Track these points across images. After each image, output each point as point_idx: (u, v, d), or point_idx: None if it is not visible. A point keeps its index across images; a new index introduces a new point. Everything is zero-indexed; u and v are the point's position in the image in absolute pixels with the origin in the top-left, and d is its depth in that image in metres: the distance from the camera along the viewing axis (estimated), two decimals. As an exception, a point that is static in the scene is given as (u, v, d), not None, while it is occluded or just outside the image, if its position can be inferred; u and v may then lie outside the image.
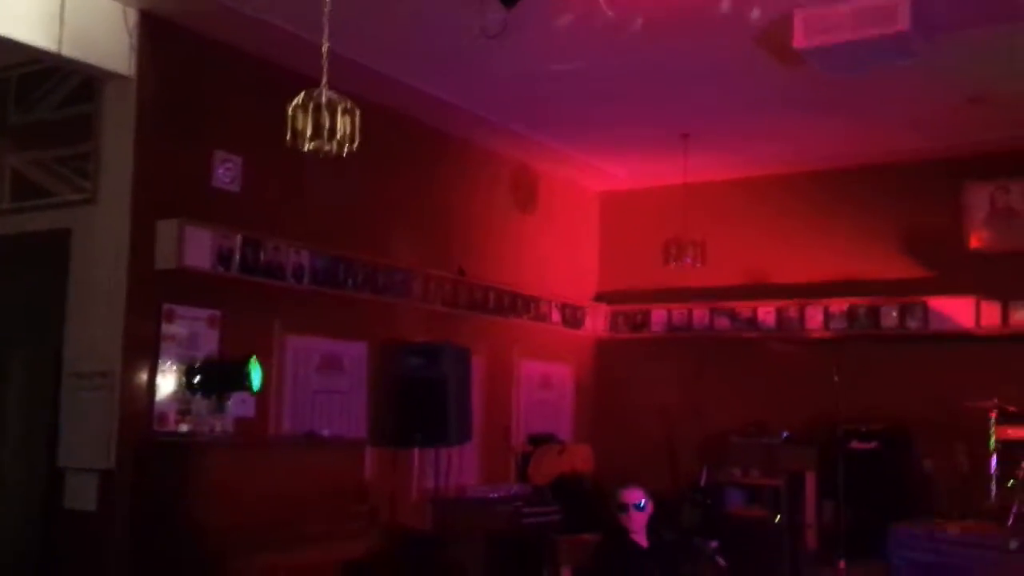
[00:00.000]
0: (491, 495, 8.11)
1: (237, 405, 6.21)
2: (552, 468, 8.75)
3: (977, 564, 6.15)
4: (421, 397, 7.03)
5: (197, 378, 5.93)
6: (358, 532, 6.37)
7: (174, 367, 5.98)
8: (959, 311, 8.38)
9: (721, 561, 4.61)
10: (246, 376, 5.88)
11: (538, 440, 8.97)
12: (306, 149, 3.68)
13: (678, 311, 9.81)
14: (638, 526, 4.69)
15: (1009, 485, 7.00)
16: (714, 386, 9.40)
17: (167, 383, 5.94)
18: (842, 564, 6.55)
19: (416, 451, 7.55)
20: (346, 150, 3.66)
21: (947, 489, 7.80)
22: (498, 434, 8.74)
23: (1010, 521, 6.58)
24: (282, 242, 6.65)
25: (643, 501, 4.74)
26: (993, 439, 7.24)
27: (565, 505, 8.30)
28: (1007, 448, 7.12)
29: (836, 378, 7.47)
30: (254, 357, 5.96)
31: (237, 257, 6.30)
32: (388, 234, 7.78)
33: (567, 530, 7.86)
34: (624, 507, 4.73)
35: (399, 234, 7.88)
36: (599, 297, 10.33)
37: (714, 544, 4.74)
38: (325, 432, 6.76)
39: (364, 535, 6.39)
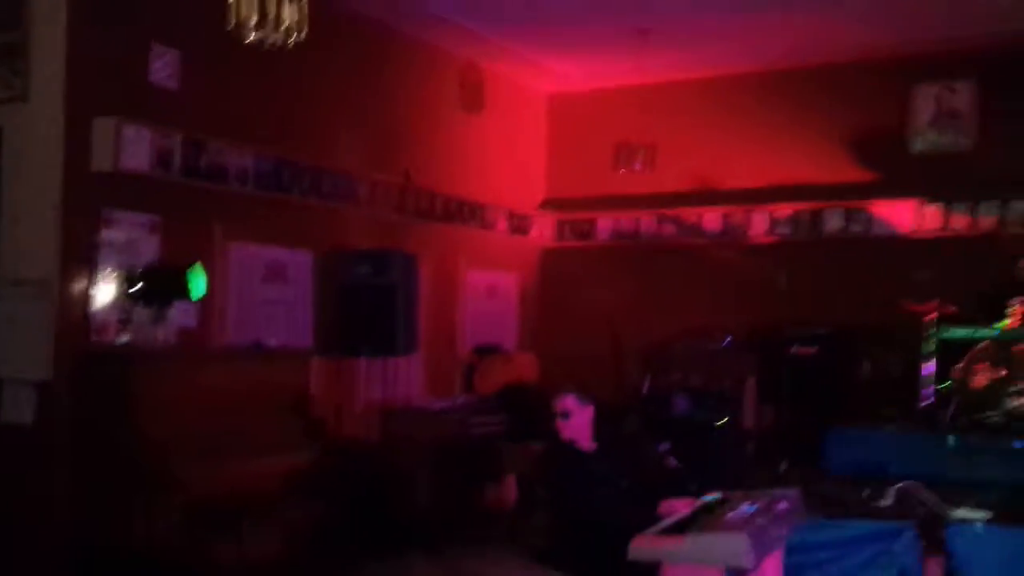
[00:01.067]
0: (437, 406, 8.11)
1: (179, 315, 6.07)
2: (497, 378, 8.76)
3: (913, 463, 6.33)
4: (368, 306, 6.94)
5: (137, 286, 5.75)
6: (304, 442, 6.33)
7: (113, 275, 5.79)
8: (901, 215, 8.50)
9: (672, 462, 4.65)
10: (187, 284, 5.72)
11: (484, 351, 8.97)
12: (250, 40, 3.49)
13: (625, 219, 9.80)
14: (575, 432, 4.68)
15: (945, 386, 7.20)
16: (659, 294, 9.45)
17: (106, 292, 5.76)
18: (783, 466, 6.70)
19: (362, 361, 7.49)
20: (292, 40, 3.48)
21: (885, 392, 8.00)
22: (444, 345, 8.71)
23: (947, 418, 6.78)
24: (224, 144, 6.42)
25: (570, 408, 4.71)
26: (931, 342, 7.40)
27: (511, 414, 8.34)
28: (945, 350, 7.28)
29: (783, 282, 7.54)
30: (197, 264, 5.80)
31: (178, 159, 6.08)
32: (333, 136, 7.57)
33: (513, 439, 7.92)
34: (555, 415, 4.73)
35: (344, 136, 7.67)
36: (546, 204, 10.26)
37: (664, 446, 4.78)
38: (271, 342, 6.66)
39: (310, 445, 6.35)
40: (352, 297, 7.00)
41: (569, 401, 4.73)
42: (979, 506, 5.53)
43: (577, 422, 4.69)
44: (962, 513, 5.43)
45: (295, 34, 3.47)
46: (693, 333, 8.99)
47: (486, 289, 9.43)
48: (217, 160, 6.36)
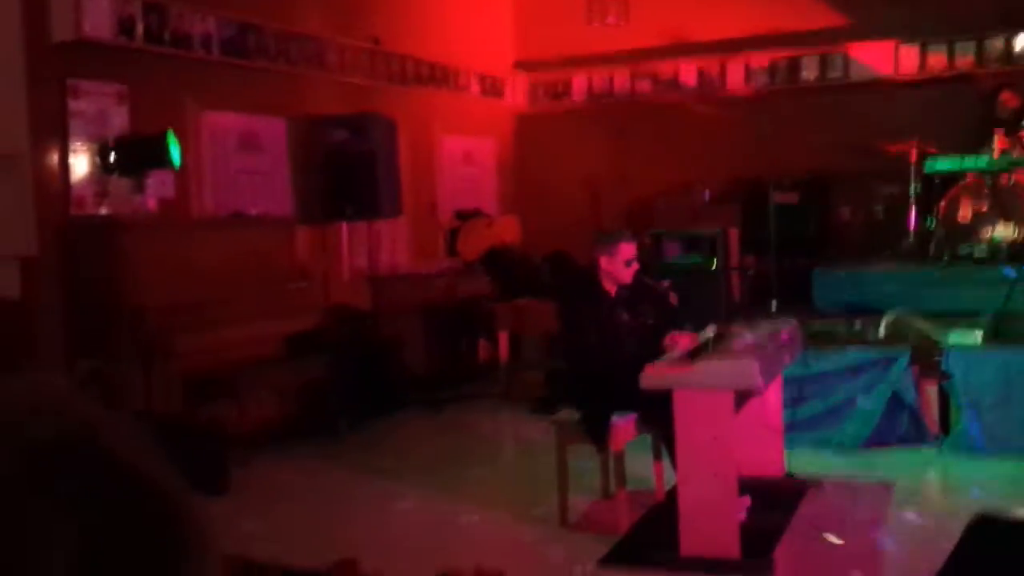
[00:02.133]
0: (423, 271, 8.09)
1: (156, 186, 5.92)
2: (480, 242, 8.73)
3: (901, 298, 6.41)
4: (349, 170, 6.80)
5: (112, 156, 5.58)
6: (298, 309, 6.30)
7: (86, 147, 5.60)
8: (878, 57, 8.41)
9: (673, 299, 4.66)
10: (164, 151, 5.55)
11: (465, 215, 8.90)
12: None
13: (599, 77, 9.62)
14: (624, 277, 4.58)
15: (928, 223, 7.25)
16: (637, 152, 9.37)
17: (81, 164, 5.58)
18: (773, 306, 6.77)
19: (345, 229, 7.39)
20: None
21: (866, 234, 8.06)
22: (425, 211, 8.62)
23: (932, 253, 6.85)
24: (186, 8, 6.15)
25: (635, 256, 4.63)
26: (912, 182, 7.42)
27: (496, 277, 8.35)
28: (929, 188, 7.30)
29: (762, 132, 7.48)
30: (170, 131, 5.62)
31: (140, 25, 5.83)
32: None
33: (500, 300, 7.95)
34: (623, 261, 4.57)
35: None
36: (518, 65, 10.02)
37: (666, 283, 4.78)
38: (251, 211, 6.54)
39: (305, 312, 6.33)
40: (332, 162, 6.86)
41: (634, 248, 4.61)
42: (970, 328, 5.62)
43: (628, 272, 4.59)
44: (955, 336, 5.52)
45: None
46: (674, 189, 8.97)
47: (463, 155, 9.29)
48: (180, 26, 6.13)
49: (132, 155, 5.64)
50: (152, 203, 5.86)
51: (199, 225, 6.25)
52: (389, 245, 7.96)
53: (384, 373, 6.86)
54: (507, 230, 9.01)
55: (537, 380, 7.12)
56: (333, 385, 6.23)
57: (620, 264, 4.54)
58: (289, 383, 6.04)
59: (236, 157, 6.75)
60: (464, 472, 5.61)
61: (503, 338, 7.62)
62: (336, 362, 6.34)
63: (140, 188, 5.74)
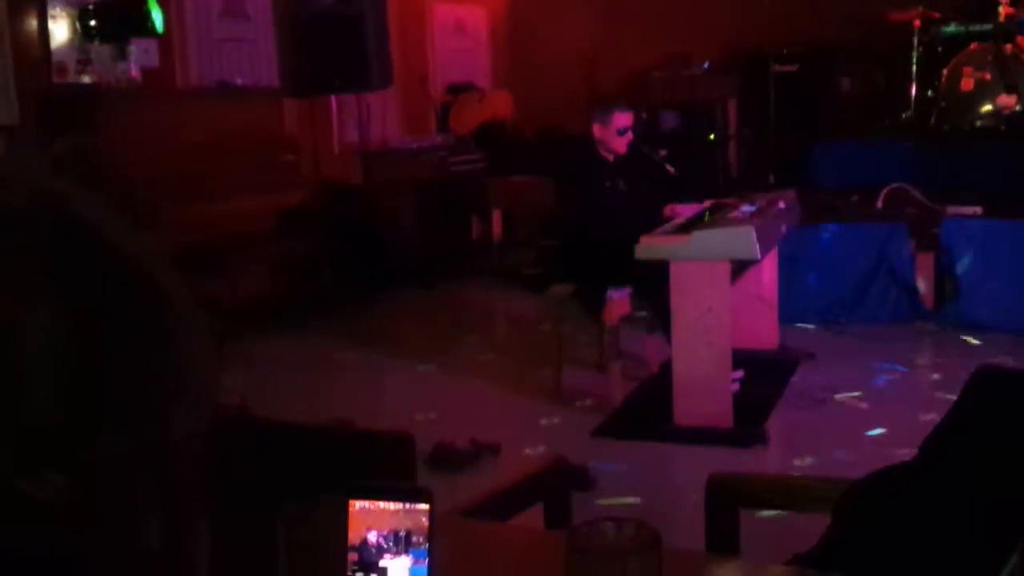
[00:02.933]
0: (415, 146, 7.94)
1: (140, 55, 5.73)
2: (473, 117, 8.56)
3: (901, 171, 6.33)
4: (337, 38, 6.58)
5: (93, 22, 5.38)
6: (288, 184, 6.20)
7: (65, 12, 5.39)
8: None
9: (670, 169, 4.58)
10: (146, 16, 5.35)
11: (457, 89, 8.70)
12: None
13: (595, -57, 9.24)
14: (618, 147, 4.52)
15: (930, 94, 7.11)
16: (632, 23, 9.07)
17: (61, 30, 5.38)
18: (771, 179, 6.69)
19: (335, 101, 7.22)
20: None
21: (866, 105, 7.91)
22: (416, 84, 8.41)
23: (932, 123, 6.74)
24: None
25: (631, 125, 4.54)
26: (915, 51, 7.23)
27: (489, 152, 8.21)
28: (931, 58, 7.12)
29: (762, 1, 7.24)
30: (150, -5, 5.41)
31: None
32: None
33: (493, 176, 7.84)
34: (622, 130, 4.51)
35: None
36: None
37: (663, 152, 4.69)
38: (237, 81, 6.36)
39: (297, 186, 6.23)
40: (319, 29, 6.62)
41: (629, 117, 4.54)
42: (969, 203, 5.57)
43: (622, 141, 4.52)
44: (954, 209, 5.47)
45: None
46: (671, 61, 8.74)
47: (454, 24, 9.01)
48: None
49: (113, 20, 5.44)
50: (136, 72, 5.69)
51: (184, 96, 6.09)
52: (379, 119, 7.79)
53: (376, 249, 6.81)
54: (500, 105, 8.82)
55: (530, 257, 7.09)
56: (325, 260, 6.19)
57: (613, 132, 4.45)
58: (280, 258, 5.99)
59: (220, 24, 6.53)
60: (457, 346, 5.63)
61: (496, 215, 7.54)
62: (328, 238, 6.27)
63: (123, 55, 5.56)
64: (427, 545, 0.85)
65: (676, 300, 3.94)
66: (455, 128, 8.42)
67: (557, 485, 1.82)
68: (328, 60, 6.60)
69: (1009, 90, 6.53)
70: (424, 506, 0.86)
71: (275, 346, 5.55)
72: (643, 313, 4.69)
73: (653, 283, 4.06)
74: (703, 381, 3.96)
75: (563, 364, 4.67)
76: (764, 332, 5.01)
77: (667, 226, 4.18)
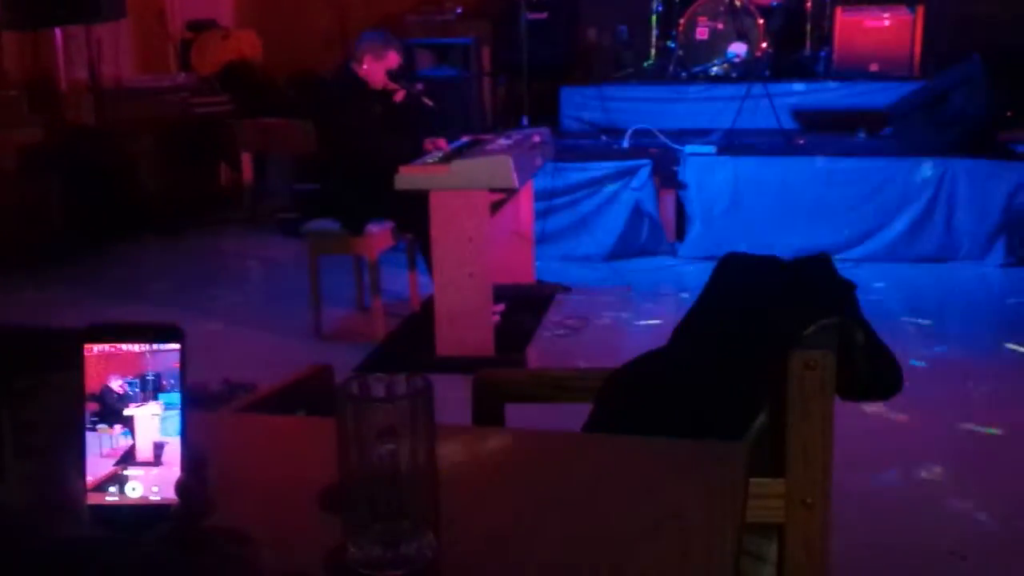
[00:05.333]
0: (154, 84, 7.45)
1: None
2: (217, 56, 8.12)
3: (645, 115, 6.64)
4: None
5: None
6: (12, 121, 5.65)
7: None
8: None
9: (428, 102, 4.54)
10: None
11: (198, 26, 8.21)
12: None
13: None
14: (385, 82, 4.45)
15: (669, 43, 7.46)
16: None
17: None
18: (524, 121, 6.80)
19: (59, 33, 6.62)
20: None
21: (612, 53, 8.20)
22: (152, 18, 7.86)
23: (671, 68, 7.10)
24: None
25: (400, 63, 4.48)
26: (654, 3, 7.55)
27: (236, 94, 7.84)
28: (667, 9, 7.46)
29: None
30: None
31: None
32: None
33: (241, 117, 7.49)
34: (387, 67, 4.42)
35: None
36: None
37: (419, 86, 4.64)
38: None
39: (21, 123, 5.68)
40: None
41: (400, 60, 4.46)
42: (705, 143, 5.92)
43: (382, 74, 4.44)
44: (691, 148, 5.79)
45: None
46: (424, 4, 8.67)
47: (194, -42, 8.49)
48: None
49: None
50: None
51: None
52: (112, 56, 7.23)
53: (113, 193, 6.34)
54: (246, 44, 8.41)
55: (285, 202, 6.85)
56: (56, 204, 5.69)
57: (382, 68, 4.40)
58: (4, 200, 5.45)
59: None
60: (209, 293, 5.36)
61: (246, 159, 7.21)
62: (59, 181, 5.77)
63: None
64: (179, 390, 0.77)
65: (436, 231, 3.93)
66: (198, 67, 7.96)
67: (321, 390, 1.76)
68: (52, -14, 6.03)
69: (740, 38, 6.97)
70: (174, 346, 0.78)
71: (7, 294, 5.06)
72: (403, 246, 4.67)
73: (413, 214, 4.03)
74: (465, 311, 3.98)
75: (323, 304, 4.56)
76: (522, 267, 5.12)
77: (426, 157, 4.15)
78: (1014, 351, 4.22)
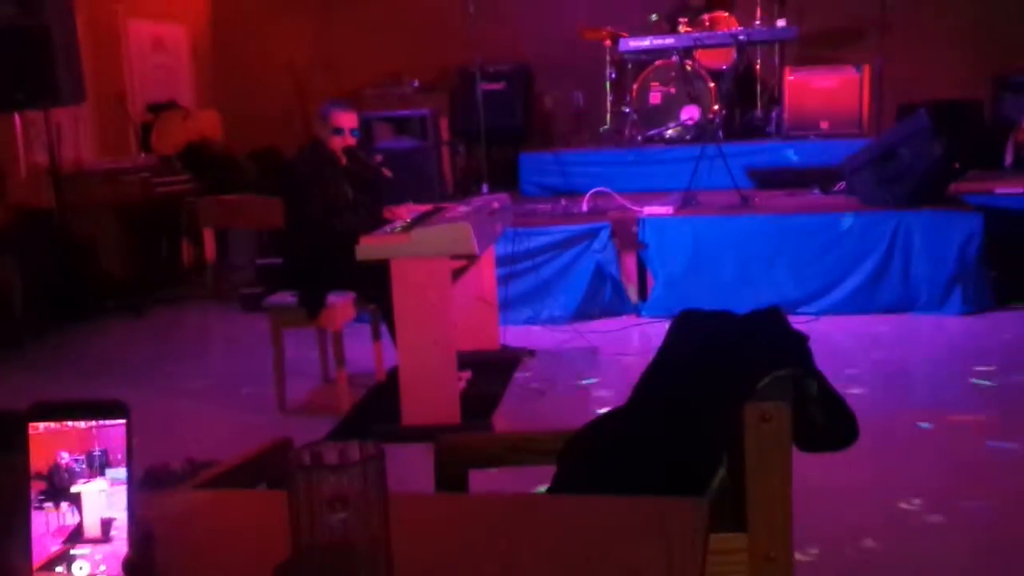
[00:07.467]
0: (114, 166, 7.45)
1: None
2: (178, 136, 8.16)
3: (602, 178, 6.74)
4: (19, 51, 6.05)
5: None
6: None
7: None
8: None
9: (387, 172, 4.58)
10: None
11: (158, 108, 8.26)
12: None
13: (298, -41, 9.15)
14: (335, 145, 4.51)
15: (623, 108, 7.61)
16: (345, 39, 9.06)
17: None
18: (484, 188, 6.88)
19: (18, 119, 6.63)
20: None
21: (569, 120, 8.35)
22: (112, 102, 7.89)
23: (626, 134, 7.23)
24: None
25: (347, 129, 4.54)
26: (608, 68, 7.71)
27: (197, 173, 7.87)
28: (620, 76, 7.63)
29: (470, 20, 7.45)
30: None
31: None
32: None
33: (203, 196, 7.50)
34: (340, 130, 4.50)
35: None
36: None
37: (378, 159, 4.69)
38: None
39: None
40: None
41: (352, 118, 4.53)
42: (663, 204, 6.00)
43: (352, 140, 4.52)
44: (649, 209, 5.87)
45: None
46: (382, 79, 8.80)
47: (152, 42, 8.57)
48: None
49: None
50: None
51: None
52: (72, 139, 7.23)
53: (75, 276, 6.30)
54: (206, 123, 8.47)
55: (247, 278, 6.84)
56: (16, 289, 5.64)
57: (330, 131, 4.48)
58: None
59: None
60: (172, 370, 5.31)
61: (208, 235, 7.20)
62: (18, 265, 5.73)
63: None
64: (125, 465, 0.77)
65: (399, 299, 3.93)
66: (158, 148, 7.98)
67: (281, 464, 1.74)
68: (9, 74, 6.05)
69: (693, 101, 7.13)
70: (120, 421, 0.78)
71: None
72: (367, 318, 4.67)
73: (375, 285, 4.04)
74: (430, 380, 3.97)
75: (287, 378, 4.53)
76: (486, 333, 5.12)
77: (387, 227, 4.18)
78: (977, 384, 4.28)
